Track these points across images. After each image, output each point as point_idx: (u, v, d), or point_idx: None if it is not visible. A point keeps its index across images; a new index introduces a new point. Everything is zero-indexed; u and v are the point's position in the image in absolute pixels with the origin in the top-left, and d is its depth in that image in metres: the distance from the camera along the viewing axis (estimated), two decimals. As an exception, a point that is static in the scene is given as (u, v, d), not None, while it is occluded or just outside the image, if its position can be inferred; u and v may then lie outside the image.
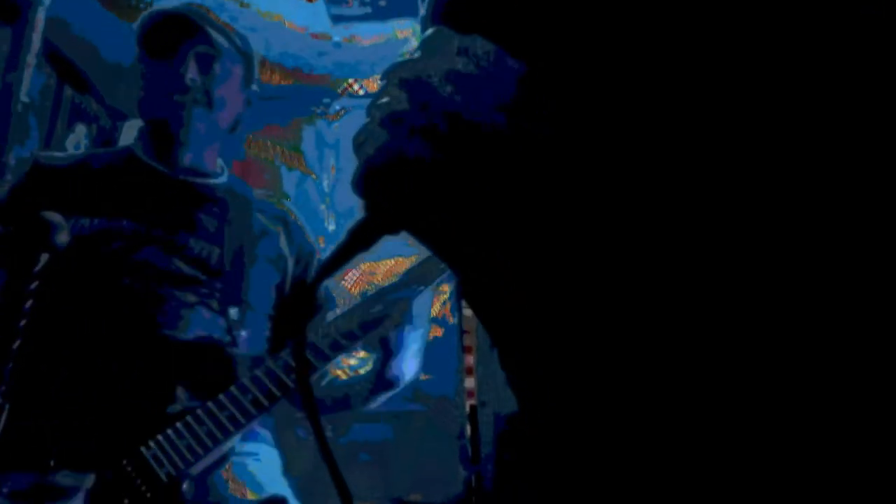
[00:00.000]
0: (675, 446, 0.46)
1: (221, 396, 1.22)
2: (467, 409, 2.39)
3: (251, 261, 1.41)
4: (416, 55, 0.49)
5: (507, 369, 0.54)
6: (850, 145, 0.43)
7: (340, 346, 1.28)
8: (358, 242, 0.51)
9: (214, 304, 1.32)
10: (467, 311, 2.48)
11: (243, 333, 1.34)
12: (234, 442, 1.24)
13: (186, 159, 1.45)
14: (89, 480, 1.13)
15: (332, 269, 0.53)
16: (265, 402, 1.22)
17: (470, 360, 2.47)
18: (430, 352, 1.34)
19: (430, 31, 0.50)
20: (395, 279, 1.36)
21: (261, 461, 1.36)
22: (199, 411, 1.21)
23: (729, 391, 0.45)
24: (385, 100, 0.49)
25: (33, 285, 0.88)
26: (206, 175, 1.48)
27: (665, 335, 0.46)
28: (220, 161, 1.54)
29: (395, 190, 0.48)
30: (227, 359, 1.31)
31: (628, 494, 0.49)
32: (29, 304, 0.88)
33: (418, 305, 1.31)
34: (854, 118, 0.44)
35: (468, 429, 2.33)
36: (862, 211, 0.43)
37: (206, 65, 1.42)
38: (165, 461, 1.17)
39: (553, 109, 0.49)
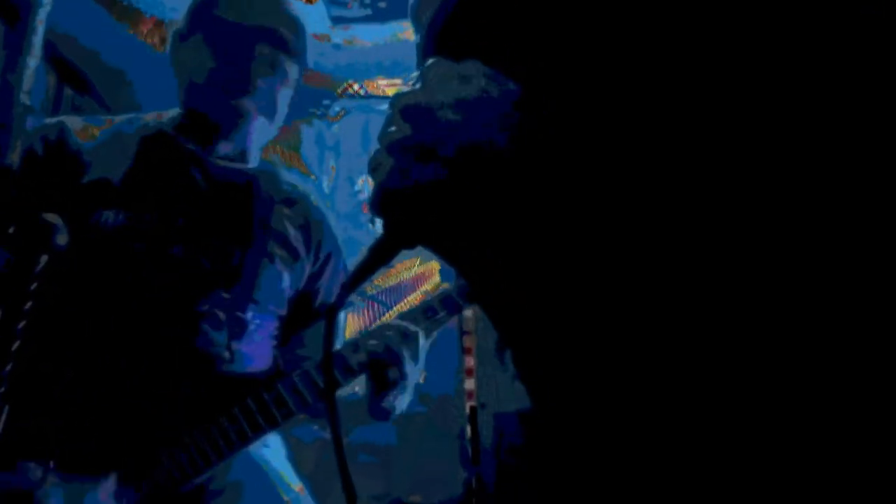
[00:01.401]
0: (675, 446, 0.47)
1: (210, 426, 1.22)
2: (467, 410, 2.40)
3: (269, 260, 1.36)
4: (418, 86, 0.54)
5: (517, 369, 0.57)
6: (849, 145, 0.43)
7: (355, 371, 1.28)
8: (378, 259, 0.57)
9: (222, 313, 1.29)
10: (467, 313, 2.48)
11: (245, 334, 1.33)
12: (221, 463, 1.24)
13: (229, 151, 1.38)
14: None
15: (356, 284, 0.59)
16: (249, 434, 1.23)
17: (470, 361, 2.47)
18: (431, 353, 1.33)
19: (429, 61, 0.55)
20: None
21: (271, 447, 1.36)
22: (189, 438, 1.21)
23: (728, 391, 0.45)
24: (392, 128, 0.53)
25: (32, 287, 0.88)
26: (241, 160, 1.41)
27: (663, 337, 0.47)
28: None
29: (407, 209, 0.54)
30: (225, 371, 1.30)
31: (628, 494, 0.49)
32: (28, 305, 0.88)
33: (422, 343, 1.28)
34: (854, 118, 0.44)
35: (468, 430, 2.33)
36: (862, 211, 0.43)
37: (273, 66, 1.32)
38: (145, 484, 1.18)
39: (551, 111, 0.50)
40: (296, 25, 1.36)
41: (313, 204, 1.49)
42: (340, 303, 0.61)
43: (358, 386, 1.35)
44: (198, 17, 1.35)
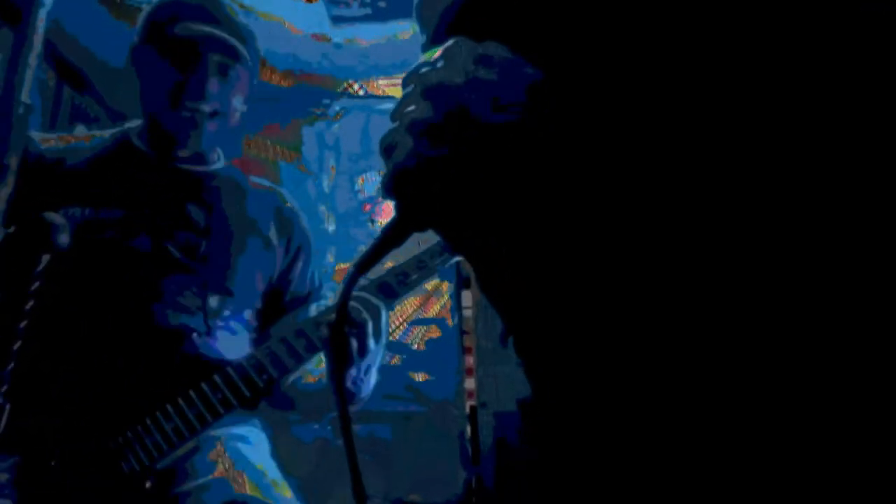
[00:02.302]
0: (675, 445, 0.47)
1: (192, 392, 1.22)
2: (467, 409, 2.40)
3: (239, 250, 1.38)
4: (439, 64, 0.52)
5: (520, 358, 0.56)
6: (849, 145, 0.44)
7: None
8: (390, 240, 0.56)
9: (196, 295, 1.31)
10: (467, 312, 2.49)
11: (220, 323, 1.33)
12: (200, 436, 1.24)
13: (186, 154, 1.43)
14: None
15: (367, 266, 0.58)
16: (234, 402, 1.23)
17: (470, 360, 2.47)
18: (431, 353, 1.31)
19: (450, 41, 0.53)
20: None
21: (252, 444, 1.36)
22: (168, 407, 1.21)
23: (729, 390, 0.45)
24: (412, 108, 0.52)
25: (34, 286, 0.88)
26: (201, 163, 1.46)
27: (662, 335, 0.47)
28: (217, 149, 1.51)
29: (423, 192, 0.53)
30: (204, 349, 1.30)
31: (628, 494, 0.49)
32: (30, 304, 0.88)
33: (384, 318, 1.23)
34: (854, 118, 0.44)
35: (468, 429, 2.33)
36: (862, 211, 0.43)
37: (224, 72, 1.37)
38: (131, 457, 1.18)
39: (557, 107, 0.50)
40: (244, 34, 1.41)
41: (283, 200, 1.53)
42: (352, 284, 0.59)
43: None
44: (150, 30, 1.40)
